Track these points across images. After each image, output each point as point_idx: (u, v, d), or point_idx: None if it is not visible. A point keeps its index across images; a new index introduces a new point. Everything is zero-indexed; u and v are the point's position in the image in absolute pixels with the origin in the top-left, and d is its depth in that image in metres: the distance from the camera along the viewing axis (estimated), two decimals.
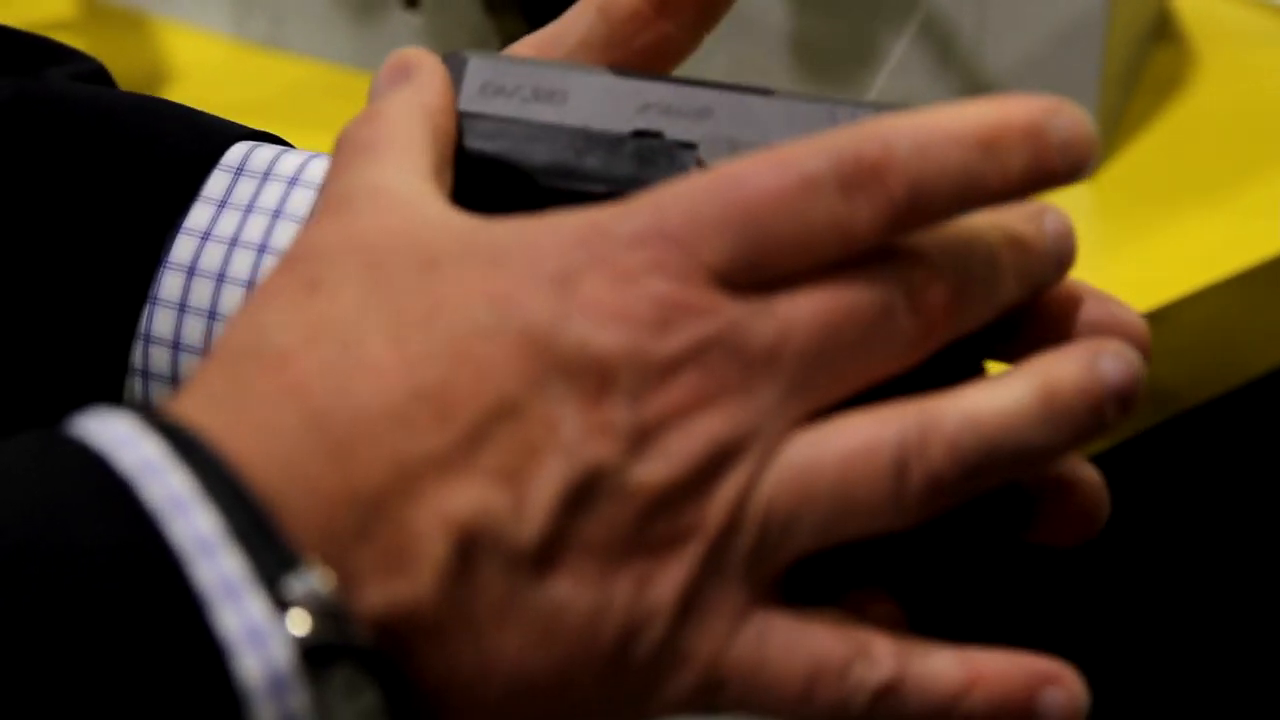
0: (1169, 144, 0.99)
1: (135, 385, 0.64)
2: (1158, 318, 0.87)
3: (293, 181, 0.63)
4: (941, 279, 0.49)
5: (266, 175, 0.63)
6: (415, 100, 0.54)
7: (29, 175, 0.64)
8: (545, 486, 0.46)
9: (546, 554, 0.46)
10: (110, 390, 0.63)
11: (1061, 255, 0.52)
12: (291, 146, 0.67)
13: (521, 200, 0.59)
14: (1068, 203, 0.94)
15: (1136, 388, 0.49)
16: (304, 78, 1.05)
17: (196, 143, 0.64)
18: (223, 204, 0.63)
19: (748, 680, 0.47)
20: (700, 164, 0.59)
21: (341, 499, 0.45)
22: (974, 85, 0.96)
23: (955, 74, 0.96)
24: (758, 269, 0.47)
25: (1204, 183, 0.96)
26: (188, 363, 0.63)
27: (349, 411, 0.45)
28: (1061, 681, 0.48)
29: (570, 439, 0.46)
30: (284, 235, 0.63)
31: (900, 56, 0.96)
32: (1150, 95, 1.02)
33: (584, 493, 0.46)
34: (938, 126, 0.48)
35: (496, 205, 0.59)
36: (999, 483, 0.48)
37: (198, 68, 1.06)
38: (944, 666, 0.48)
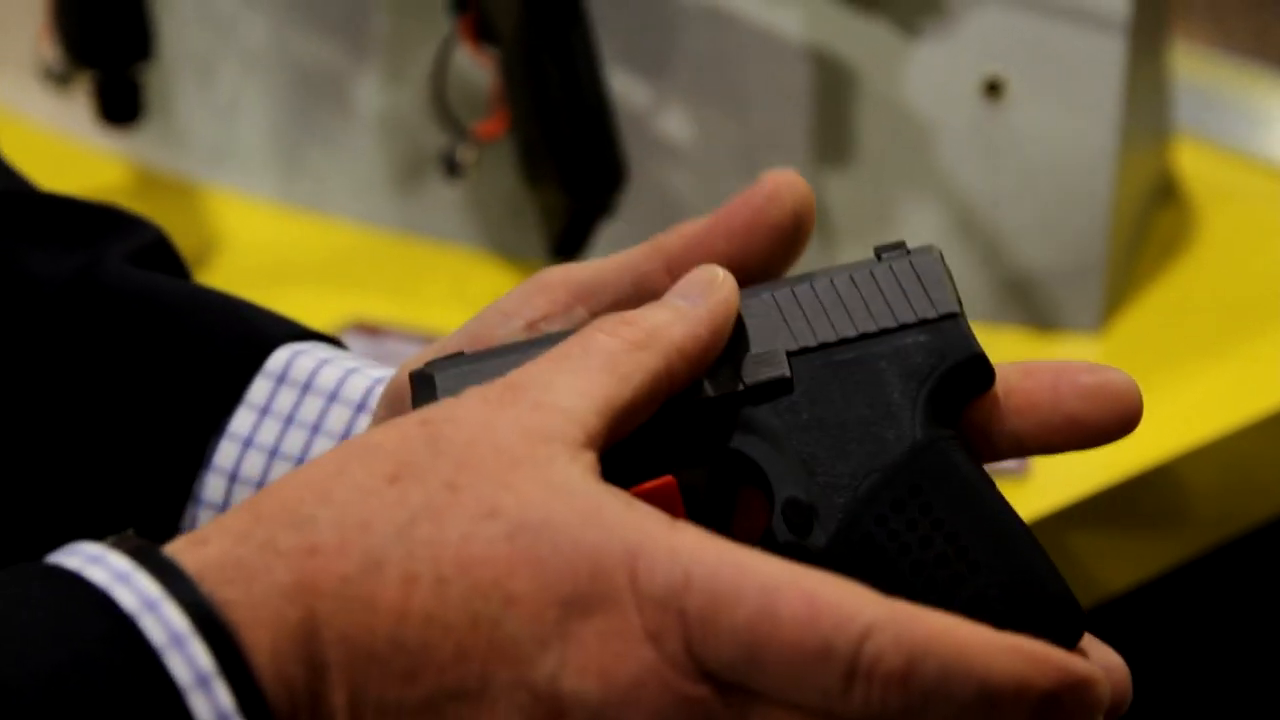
0: (1174, 301, 1.03)
1: None
2: (1166, 470, 0.91)
3: (331, 397, 0.66)
4: None
5: (307, 387, 0.66)
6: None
7: (79, 366, 0.67)
8: None
9: None
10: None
11: None
12: (336, 343, 0.69)
13: None
14: (1079, 353, 0.99)
15: None
16: (347, 241, 1.10)
17: (243, 344, 0.67)
18: (265, 411, 0.66)
19: None
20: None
21: (305, 707, 0.50)
22: (989, 246, 1.00)
23: (971, 236, 1.00)
24: (746, 682, 0.50)
25: (1209, 339, 1.00)
26: None
27: (339, 633, 0.50)
28: None
29: None
30: (320, 450, 0.65)
31: (918, 220, 1.01)
32: (1155, 255, 1.06)
33: None
34: (970, 663, 0.49)
35: None
36: None
37: (245, 232, 1.11)
38: None
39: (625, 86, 1.03)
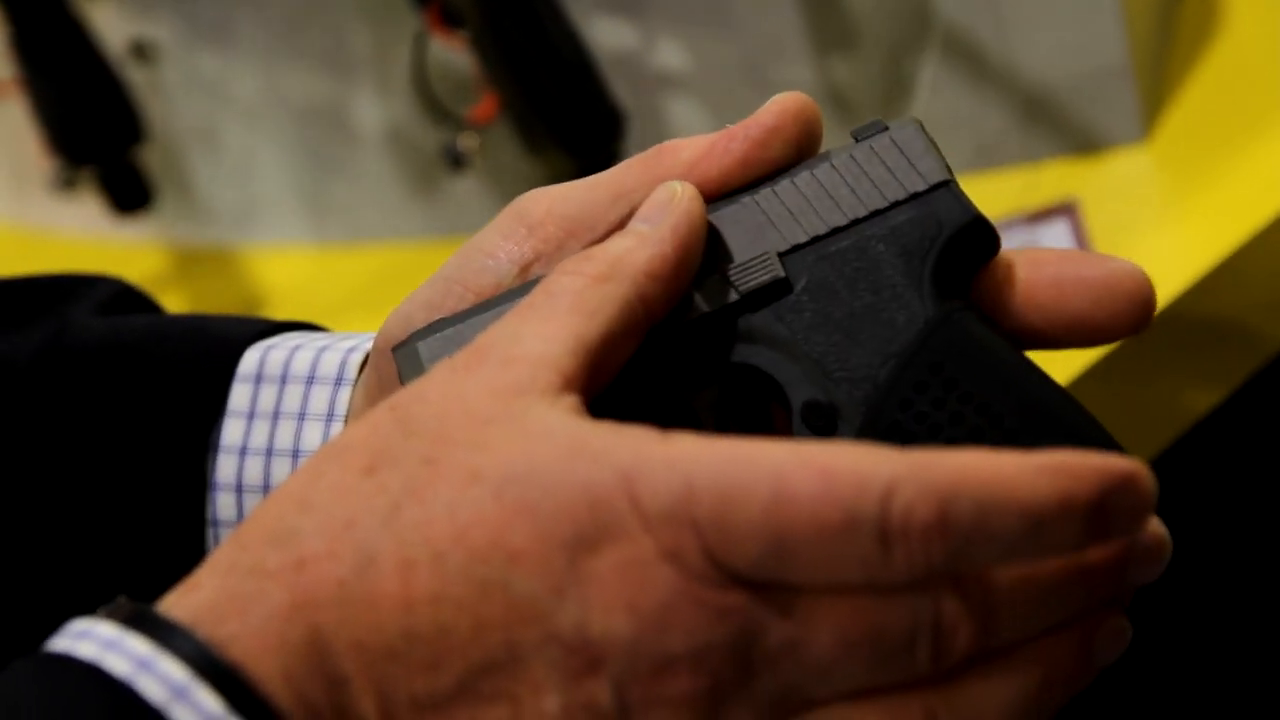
0: (1216, 90, 0.99)
1: None
2: (1234, 262, 0.88)
3: (310, 380, 0.64)
4: (972, 621, 0.48)
5: (284, 379, 0.65)
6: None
7: (63, 430, 0.66)
8: None
9: None
10: None
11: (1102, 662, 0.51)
12: (305, 326, 0.69)
13: None
14: (1128, 170, 0.95)
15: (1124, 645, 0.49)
16: (383, 261, 1.09)
17: (212, 357, 0.66)
18: (250, 415, 0.65)
19: None
20: None
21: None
22: (1011, 86, 0.97)
23: (990, 80, 0.97)
24: (779, 577, 0.47)
25: (1259, 119, 0.96)
26: None
27: (348, 641, 0.48)
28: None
29: (552, 711, 0.47)
30: (312, 437, 0.64)
31: (931, 79, 0.98)
32: (1186, 48, 1.02)
33: None
34: (1005, 493, 0.47)
35: None
36: None
37: (286, 281, 1.10)
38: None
39: (610, 31, 1.01)
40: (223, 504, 0.65)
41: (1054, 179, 0.96)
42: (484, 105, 0.97)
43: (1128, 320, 0.56)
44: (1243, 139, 0.94)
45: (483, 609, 0.47)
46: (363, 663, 0.48)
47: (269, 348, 0.66)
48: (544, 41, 0.93)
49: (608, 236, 0.58)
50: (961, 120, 0.98)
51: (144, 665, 0.47)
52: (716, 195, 0.59)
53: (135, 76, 1.10)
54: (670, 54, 1.01)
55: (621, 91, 0.97)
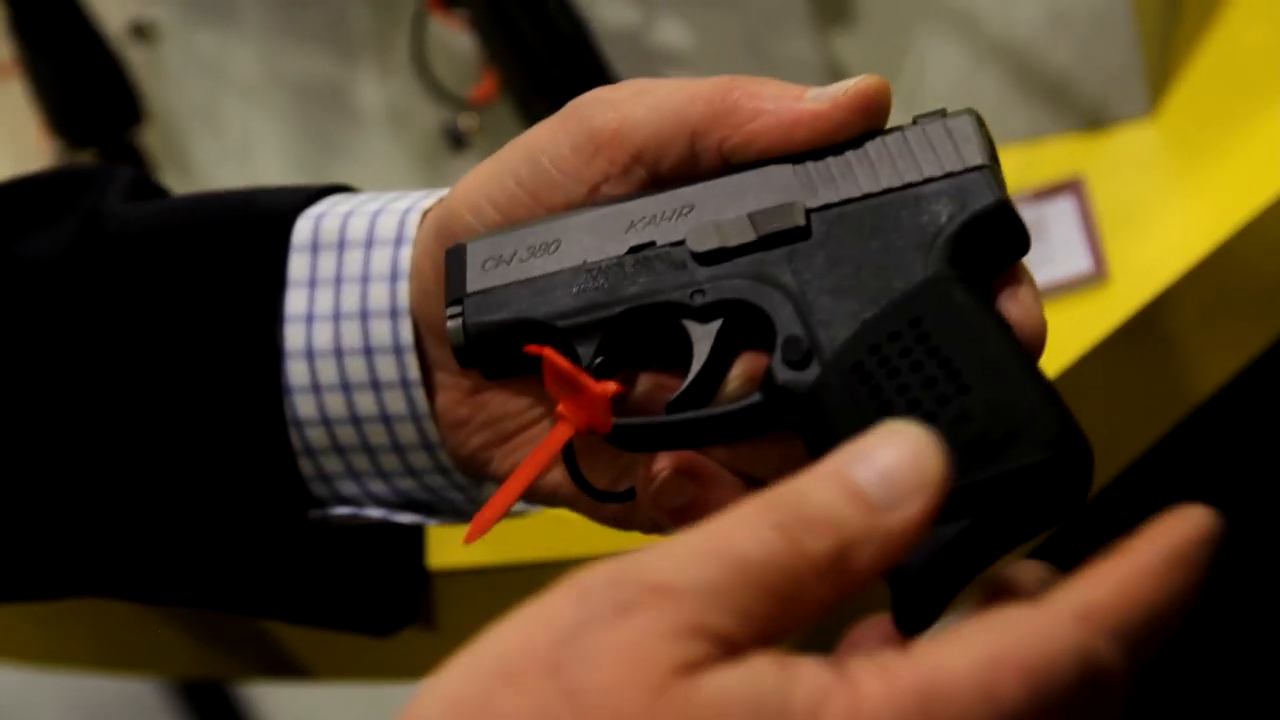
0: (1222, 63, 0.98)
1: (306, 464, 0.68)
2: (1250, 231, 0.87)
3: (369, 244, 0.66)
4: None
5: (341, 245, 0.66)
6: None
7: (118, 323, 0.67)
8: None
9: None
10: (287, 474, 0.67)
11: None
12: (345, 189, 0.69)
13: (551, 343, 0.62)
14: (1135, 143, 0.95)
15: None
16: None
17: (265, 231, 0.67)
18: (312, 283, 0.66)
19: None
20: (693, 254, 0.61)
21: None
22: (1014, 61, 0.96)
23: (993, 55, 0.96)
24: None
25: (1260, 92, 0.95)
26: (342, 433, 0.67)
27: None
28: None
29: None
30: (379, 296, 0.66)
31: (934, 54, 0.97)
32: (1193, 21, 1.02)
33: None
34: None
35: (529, 363, 0.62)
36: None
37: None
38: None
39: (611, 7, 1.00)
40: (295, 371, 0.66)
41: (1059, 155, 0.95)
42: (485, 84, 0.96)
43: None
44: (1250, 113, 0.93)
45: None
46: None
47: (320, 216, 0.67)
48: (543, 19, 0.92)
49: (674, 170, 0.61)
50: (964, 96, 0.97)
51: None
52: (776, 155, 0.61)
53: (135, 57, 1.10)
54: (671, 30, 1.00)
55: (622, 68, 0.96)
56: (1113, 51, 0.94)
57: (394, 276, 0.66)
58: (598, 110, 0.62)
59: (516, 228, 0.63)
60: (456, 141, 0.98)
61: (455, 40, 0.99)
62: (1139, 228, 0.89)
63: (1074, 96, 0.96)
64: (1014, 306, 0.59)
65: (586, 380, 0.61)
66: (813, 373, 0.58)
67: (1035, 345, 0.59)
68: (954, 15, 0.96)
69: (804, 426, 0.58)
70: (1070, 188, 0.92)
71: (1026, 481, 0.54)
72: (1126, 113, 0.95)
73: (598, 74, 0.93)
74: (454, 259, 0.63)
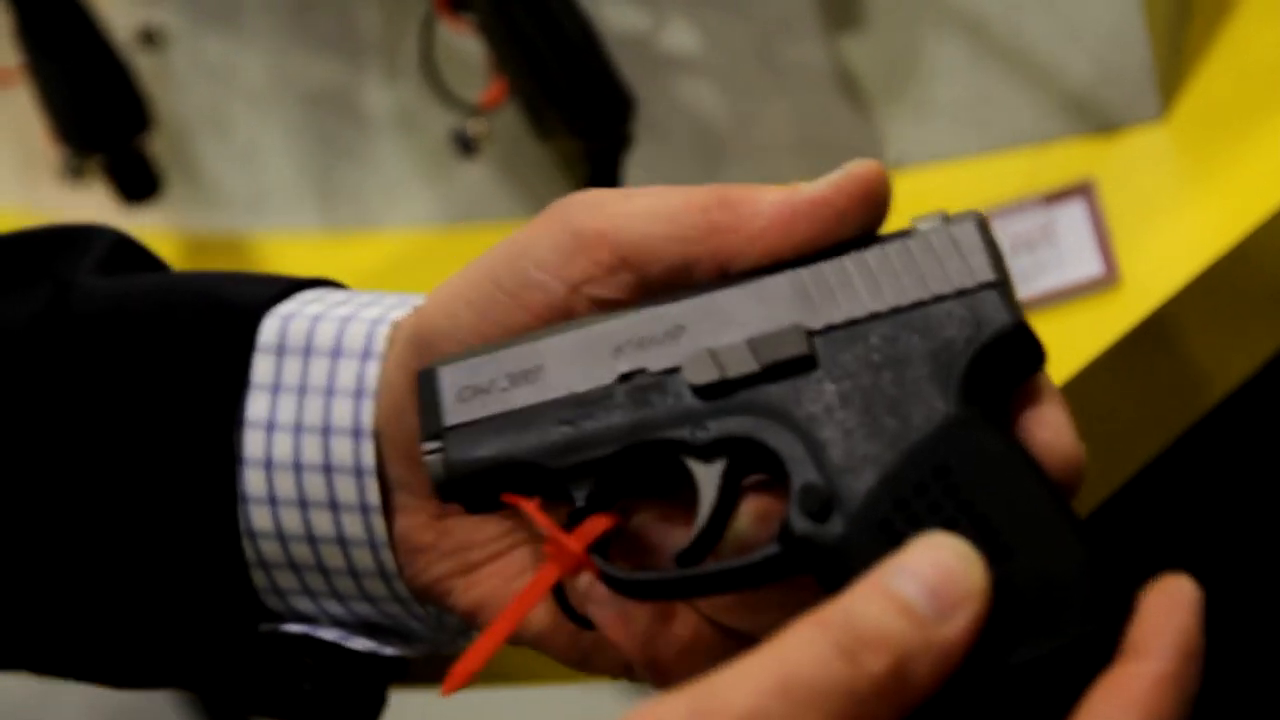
0: (1235, 65, 0.98)
1: (259, 578, 0.65)
2: (1257, 236, 0.86)
3: (335, 354, 0.64)
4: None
5: (308, 351, 0.64)
6: None
7: (68, 405, 0.65)
8: None
9: None
10: (238, 585, 0.65)
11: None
12: (320, 283, 0.67)
13: (541, 488, 0.59)
14: (1146, 147, 0.94)
15: None
16: (396, 249, 1.08)
17: (230, 327, 0.65)
18: (275, 388, 0.64)
19: None
20: (692, 387, 0.58)
21: None
22: (1023, 64, 0.96)
23: (1002, 58, 0.96)
24: None
25: (1272, 95, 0.94)
26: (298, 550, 0.64)
27: None
28: None
29: None
30: (342, 412, 0.63)
31: (944, 59, 0.96)
32: (1204, 22, 1.01)
33: None
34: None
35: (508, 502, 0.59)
36: None
37: (299, 267, 1.09)
38: None
39: (619, 13, 1.00)
40: (252, 480, 0.64)
41: (1069, 159, 0.94)
42: (493, 90, 0.96)
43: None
44: (1263, 116, 0.93)
45: None
46: None
47: (289, 317, 0.65)
48: (551, 24, 0.92)
49: (663, 278, 0.58)
50: (974, 100, 0.96)
51: None
52: (773, 263, 0.58)
53: (142, 63, 1.09)
54: (680, 35, 1.00)
55: (630, 73, 0.96)
56: (1124, 55, 0.94)
57: (359, 393, 0.63)
58: (583, 211, 0.60)
59: (492, 349, 0.59)
60: (465, 147, 0.98)
61: (464, 45, 0.99)
62: (1150, 231, 0.89)
63: (1084, 100, 0.95)
64: (1042, 430, 0.56)
65: (569, 541, 0.58)
66: (835, 526, 0.55)
67: (1072, 472, 0.56)
68: (963, 19, 0.96)
69: (825, 577, 0.55)
70: (1080, 191, 0.91)
71: (1075, 655, 0.52)
72: (1137, 116, 0.95)
73: (606, 79, 0.93)
74: (426, 384, 0.60)
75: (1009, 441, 0.55)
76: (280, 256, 1.11)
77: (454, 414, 0.60)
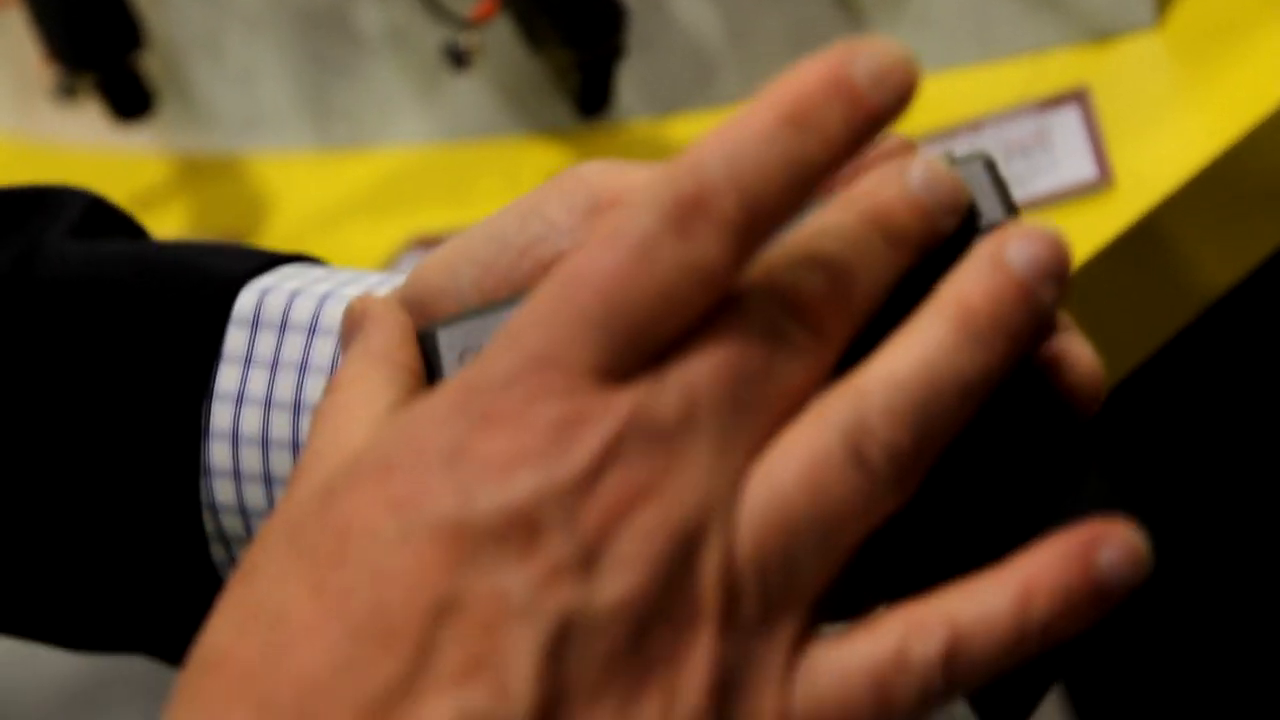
0: None
1: (218, 551, 0.63)
2: (1250, 141, 0.86)
3: (312, 330, 0.62)
4: (809, 277, 0.46)
5: (284, 326, 0.62)
6: (365, 352, 0.54)
7: (32, 372, 0.63)
8: (519, 658, 0.43)
9: None
10: (196, 558, 0.63)
11: (939, 199, 0.49)
12: (301, 259, 0.65)
13: None
14: (1140, 54, 0.94)
15: (1057, 261, 0.47)
16: (390, 167, 1.08)
17: (204, 298, 0.62)
18: (247, 361, 0.62)
19: None
20: None
21: None
22: None
23: None
24: (638, 349, 0.45)
25: (1266, 5, 0.94)
26: (260, 526, 0.62)
27: (292, 685, 0.43)
28: (1109, 538, 0.45)
29: (523, 600, 0.43)
30: (315, 389, 0.61)
31: None
32: None
33: (561, 643, 0.43)
34: (741, 128, 0.46)
35: None
36: (969, 414, 0.46)
37: (291, 189, 1.09)
38: (993, 598, 0.45)
39: None
40: (217, 453, 0.62)
41: (1063, 67, 0.94)
42: (484, 2, 0.96)
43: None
44: (1256, 21, 0.92)
45: (401, 567, 0.44)
46: (317, 695, 0.43)
47: (265, 290, 0.62)
48: None
49: None
50: (970, 10, 0.96)
51: None
52: None
53: None
54: None
55: None
56: None
57: (334, 370, 0.60)
58: (601, 173, 0.58)
59: (494, 308, 0.55)
60: (458, 60, 0.98)
61: None
62: (1144, 137, 0.89)
63: (1079, 7, 0.95)
64: (1062, 358, 0.52)
65: None
66: None
67: (1096, 394, 0.53)
68: None
69: None
70: (1075, 98, 0.91)
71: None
72: (1132, 23, 0.94)
73: None
74: (426, 346, 0.56)
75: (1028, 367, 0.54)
76: (273, 177, 1.11)
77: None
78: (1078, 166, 0.87)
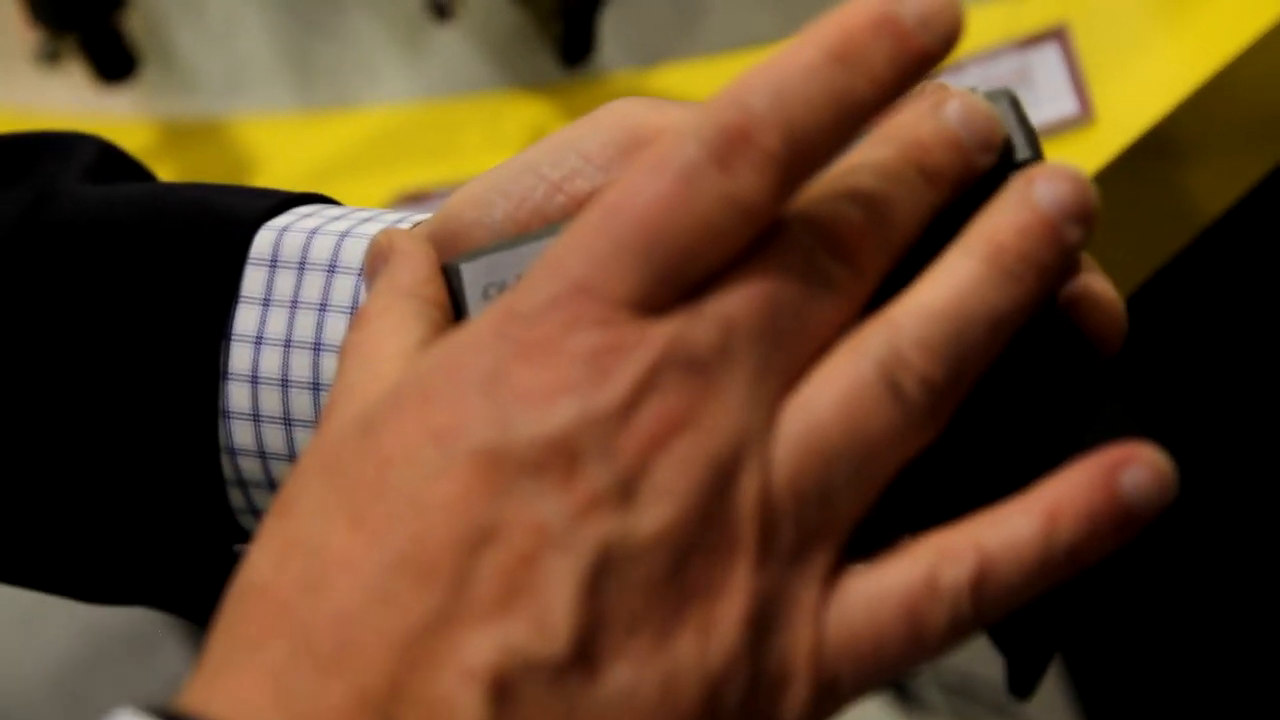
0: None
1: (236, 496, 0.63)
2: (1229, 72, 0.87)
3: (331, 269, 0.61)
4: (847, 212, 0.47)
5: (303, 265, 0.61)
6: (391, 286, 0.53)
7: (50, 312, 0.62)
8: (558, 590, 0.43)
9: (588, 653, 0.43)
10: (214, 504, 0.63)
11: (975, 136, 0.49)
12: (316, 199, 0.65)
13: None
14: None
15: (1083, 201, 0.47)
16: (375, 125, 1.08)
17: (221, 237, 0.62)
18: (266, 301, 0.61)
19: (855, 657, 0.45)
20: None
21: (352, 708, 0.43)
22: None
23: None
24: (677, 280, 0.45)
25: None
26: (279, 469, 0.62)
27: (330, 618, 0.44)
28: (1136, 459, 0.45)
29: (561, 531, 0.43)
30: (335, 328, 0.61)
31: None
32: None
33: (600, 574, 0.43)
34: (787, 64, 0.45)
35: None
36: (999, 348, 0.46)
37: (276, 150, 1.09)
38: (1020, 523, 0.45)
39: None
40: (235, 394, 0.61)
41: (1042, 5, 0.95)
42: None
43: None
44: None
45: (441, 497, 0.44)
46: (356, 627, 0.43)
47: (283, 229, 0.62)
48: None
49: None
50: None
51: None
52: None
53: None
54: None
55: None
56: None
57: (355, 308, 0.60)
58: (640, 108, 0.57)
59: (519, 241, 0.54)
60: (440, 10, 0.98)
61: None
62: (1124, 72, 0.89)
63: None
64: (1086, 293, 0.52)
65: None
66: None
67: (1119, 329, 0.53)
68: None
69: None
70: (1054, 35, 0.92)
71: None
72: None
73: None
74: (451, 280, 0.54)
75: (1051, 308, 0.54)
76: (258, 139, 1.11)
77: (478, 313, 0.54)
78: (1059, 103, 0.88)
